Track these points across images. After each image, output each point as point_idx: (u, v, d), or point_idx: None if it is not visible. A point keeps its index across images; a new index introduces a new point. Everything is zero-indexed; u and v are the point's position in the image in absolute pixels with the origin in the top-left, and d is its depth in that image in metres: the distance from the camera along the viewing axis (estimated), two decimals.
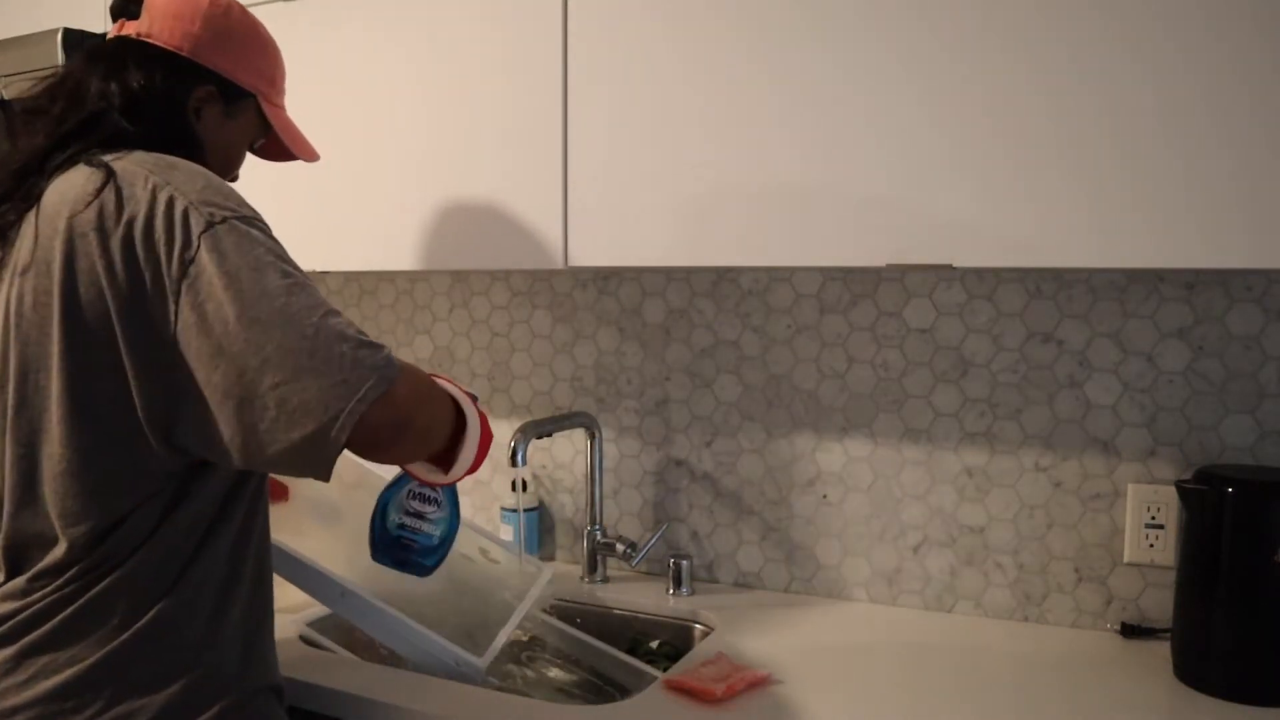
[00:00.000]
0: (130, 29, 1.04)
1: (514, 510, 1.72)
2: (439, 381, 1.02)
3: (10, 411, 0.95)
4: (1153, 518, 1.35)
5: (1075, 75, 1.06)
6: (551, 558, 1.78)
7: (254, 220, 0.92)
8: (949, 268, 1.17)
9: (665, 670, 1.34)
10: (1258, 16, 0.99)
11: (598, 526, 1.64)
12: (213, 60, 1.06)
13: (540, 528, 1.77)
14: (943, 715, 1.12)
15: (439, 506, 1.11)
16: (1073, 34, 1.06)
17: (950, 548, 1.48)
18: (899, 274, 1.48)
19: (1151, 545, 1.36)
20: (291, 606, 1.40)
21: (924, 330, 1.47)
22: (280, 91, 1.18)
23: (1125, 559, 1.38)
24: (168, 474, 0.93)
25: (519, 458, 1.42)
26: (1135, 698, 1.17)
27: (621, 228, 1.30)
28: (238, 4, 1.11)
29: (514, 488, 1.75)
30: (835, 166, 1.18)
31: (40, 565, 0.93)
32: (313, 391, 0.84)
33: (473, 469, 1.04)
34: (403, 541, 1.11)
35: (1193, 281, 1.33)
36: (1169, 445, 1.35)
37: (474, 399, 1.06)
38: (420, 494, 1.11)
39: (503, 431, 1.82)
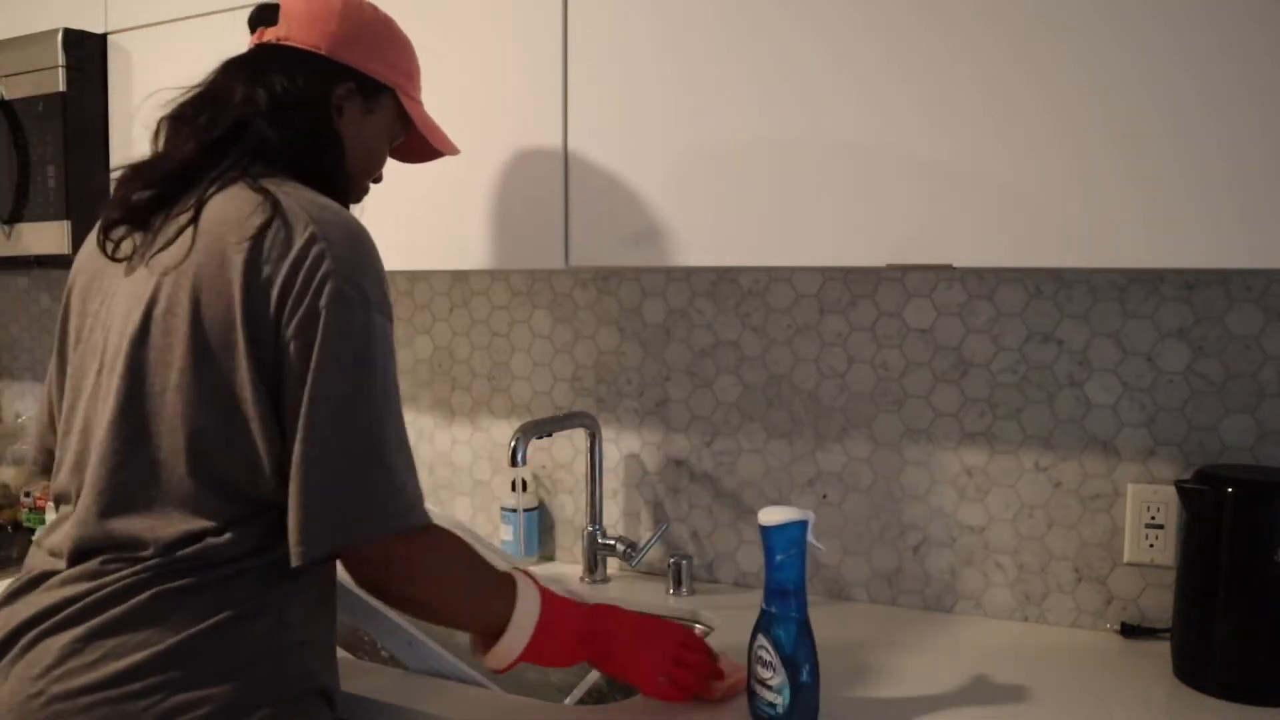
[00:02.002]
0: (269, 35, 1.08)
1: (514, 510, 1.72)
2: (504, 572, 1.05)
3: (114, 408, 0.96)
4: (1153, 518, 1.35)
5: (1076, 75, 1.06)
6: (551, 558, 1.78)
7: (379, 306, 0.95)
8: (949, 268, 1.17)
9: None
10: (1259, 15, 0.99)
11: (598, 526, 1.64)
12: (350, 57, 1.09)
13: (540, 528, 1.77)
14: (942, 715, 1.12)
15: (774, 671, 1.05)
16: (1074, 34, 1.06)
17: (950, 548, 1.48)
18: (899, 274, 1.48)
19: (1151, 545, 1.36)
20: None
21: (924, 330, 1.47)
22: (417, 86, 1.20)
23: (1125, 559, 1.38)
24: (248, 494, 0.94)
25: (519, 458, 1.42)
26: (1135, 698, 1.17)
27: (621, 228, 1.30)
28: (369, 2, 1.14)
29: (514, 488, 1.75)
30: (835, 166, 1.18)
31: (115, 554, 0.94)
32: (320, 500, 0.90)
33: (526, 659, 1.03)
34: (758, 712, 1.08)
35: (1193, 281, 1.33)
36: (1169, 445, 1.35)
37: (559, 604, 1.06)
38: (760, 657, 1.06)
39: (503, 431, 1.82)
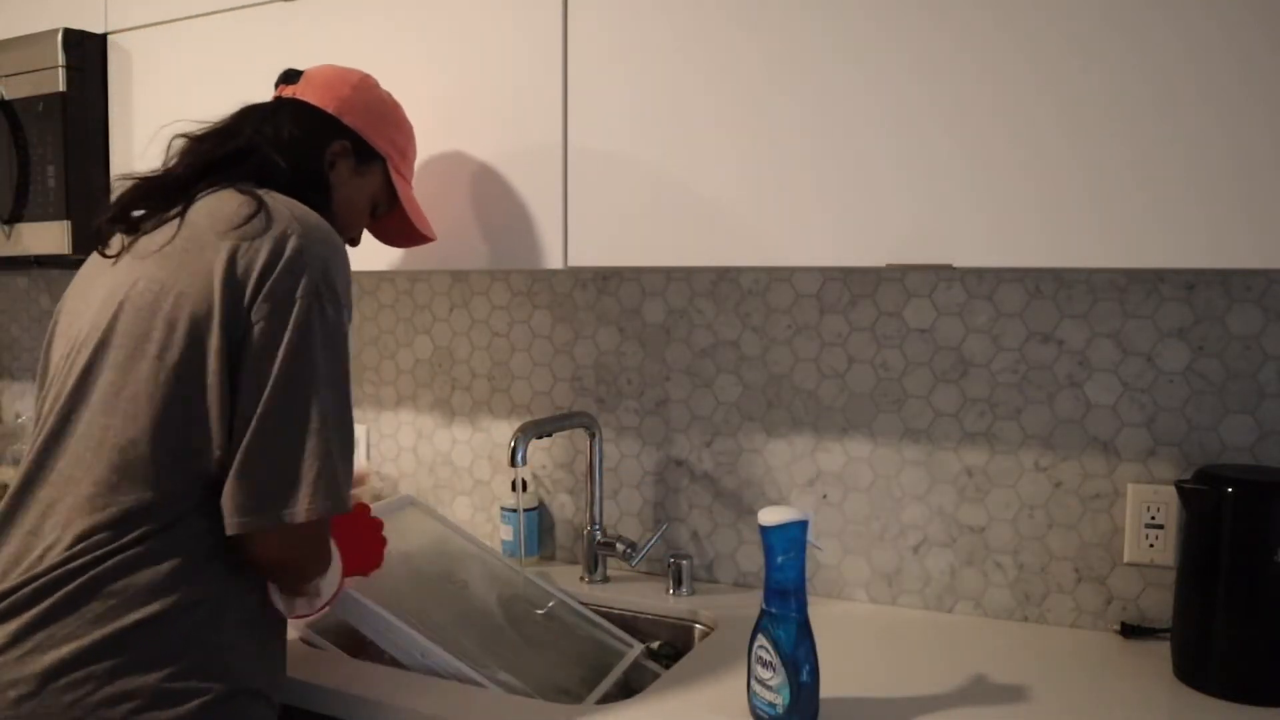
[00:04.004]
0: (287, 92, 1.21)
1: (514, 510, 1.72)
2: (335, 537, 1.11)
3: (70, 381, 1.00)
4: (1153, 518, 1.35)
5: (1081, 75, 1.06)
6: (551, 558, 1.78)
7: (346, 306, 1.03)
8: (949, 268, 1.17)
9: (666, 669, 1.34)
10: (1261, 16, 0.99)
11: (598, 526, 1.64)
12: (352, 120, 1.21)
13: (540, 528, 1.77)
14: (942, 715, 1.12)
15: (774, 671, 1.06)
16: (1076, 34, 1.06)
17: (950, 548, 1.48)
18: (899, 274, 1.48)
19: (1151, 545, 1.36)
20: None
21: (924, 330, 1.47)
22: (409, 166, 1.32)
23: (1125, 559, 1.38)
24: (201, 472, 0.97)
25: (519, 458, 1.42)
26: (1135, 698, 1.17)
27: (621, 228, 1.30)
28: (384, 88, 1.27)
29: (514, 488, 1.75)
30: (836, 166, 1.18)
31: (49, 539, 0.95)
32: (263, 473, 0.95)
33: (319, 609, 1.13)
34: (757, 711, 1.09)
35: (1193, 281, 1.33)
36: (1169, 445, 1.35)
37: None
38: (760, 657, 1.08)
39: (503, 431, 1.82)
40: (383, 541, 1.30)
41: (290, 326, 0.96)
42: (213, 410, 0.96)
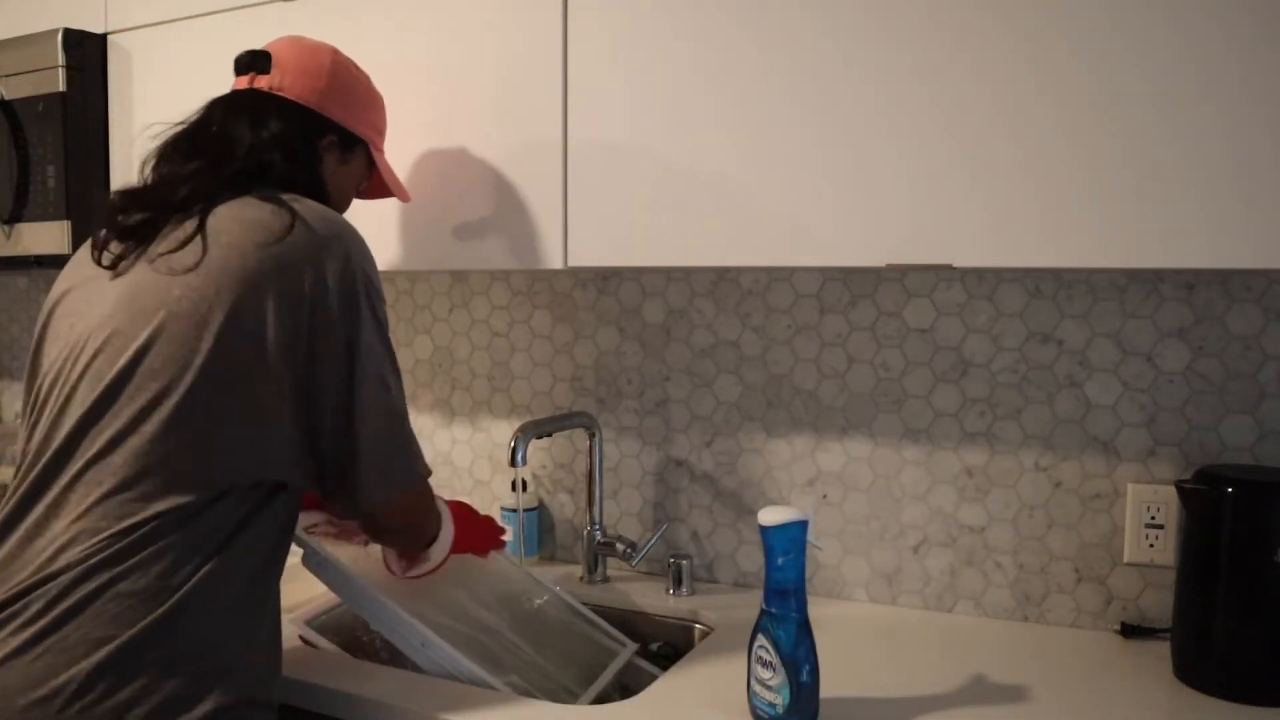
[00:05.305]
0: (262, 83, 1.16)
1: (514, 510, 1.72)
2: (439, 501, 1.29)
3: (98, 386, 0.98)
4: (1152, 518, 1.36)
5: (1079, 75, 1.06)
6: (551, 558, 1.78)
7: (384, 300, 1.09)
8: (949, 268, 1.17)
9: (666, 669, 1.34)
10: (1261, 16, 0.99)
11: (598, 526, 1.64)
12: (335, 112, 1.19)
13: (540, 528, 1.77)
14: (942, 715, 1.12)
15: (774, 671, 1.06)
16: (1077, 34, 1.06)
17: (950, 548, 1.48)
18: (899, 274, 1.48)
19: (1151, 545, 1.36)
20: (290, 605, 1.39)
21: (924, 330, 1.47)
22: (384, 139, 1.32)
23: (1125, 559, 1.38)
24: (223, 478, 0.98)
25: (519, 458, 1.42)
26: (1135, 698, 1.17)
27: (622, 228, 1.30)
28: (353, 63, 1.25)
29: (514, 488, 1.75)
30: (836, 166, 1.18)
31: (63, 539, 0.95)
32: (379, 458, 1.06)
33: (436, 568, 1.30)
34: (757, 711, 1.09)
35: (1193, 281, 1.33)
36: (1169, 445, 1.35)
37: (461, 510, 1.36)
38: (760, 657, 1.08)
39: (503, 431, 1.82)
40: (494, 522, 1.44)
41: (359, 328, 1.03)
42: (266, 417, 0.98)
